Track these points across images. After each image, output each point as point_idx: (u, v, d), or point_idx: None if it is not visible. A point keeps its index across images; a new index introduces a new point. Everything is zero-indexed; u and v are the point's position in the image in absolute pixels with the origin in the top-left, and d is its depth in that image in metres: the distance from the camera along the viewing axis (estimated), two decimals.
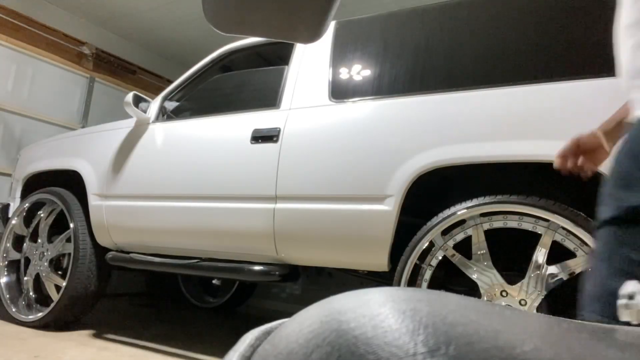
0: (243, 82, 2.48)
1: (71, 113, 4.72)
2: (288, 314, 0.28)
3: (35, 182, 2.96)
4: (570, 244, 1.49)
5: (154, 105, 2.56)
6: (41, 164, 2.90)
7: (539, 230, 1.53)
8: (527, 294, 1.52)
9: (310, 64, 2.11)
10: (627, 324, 0.67)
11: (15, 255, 2.89)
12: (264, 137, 2.10)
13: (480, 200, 1.60)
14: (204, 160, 2.22)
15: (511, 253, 1.69)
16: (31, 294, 2.76)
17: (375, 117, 1.84)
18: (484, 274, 1.59)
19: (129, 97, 2.46)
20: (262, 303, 4.10)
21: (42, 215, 2.84)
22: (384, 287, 0.26)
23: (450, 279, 1.77)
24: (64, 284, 2.53)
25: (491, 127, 1.62)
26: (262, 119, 2.15)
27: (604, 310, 0.69)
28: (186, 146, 2.31)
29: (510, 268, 1.63)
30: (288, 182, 1.94)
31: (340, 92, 1.98)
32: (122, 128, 2.62)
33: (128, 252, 2.46)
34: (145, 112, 2.51)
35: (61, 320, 2.57)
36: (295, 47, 2.23)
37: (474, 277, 1.60)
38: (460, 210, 1.63)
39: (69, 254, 2.61)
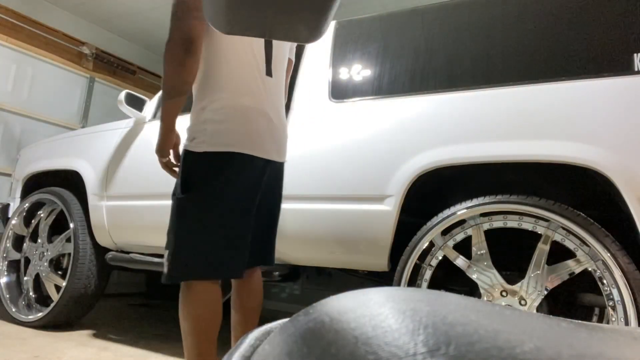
0: None
1: (71, 113, 4.73)
2: (288, 314, 0.28)
3: (35, 182, 2.96)
4: (570, 244, 1.49)
5: (151, 104, 2.56)
6: (41, 164, 2.90)
7: (539, 230, 1.53)
8: (527, 294, 1.52)
9: (310, 64, 2.11)
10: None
11: (15, 255, 2.88)
12: None
13: (480, 200, 1.60)
14: None
15: (511, 253, 1.69)
16: (31, 294, 2.76)
17: (375, 117, 1.84)
18: (484, 274, 1.59)
19: (122, 95, 2.48)
20: (262, 303, 4.10)
21: (42, 215, 2.84)
22: (384, 287, 0.26)
23: (451, 278, 1.76)
24: (64, 284, 2.53)
25: (491, 128, 1.62)
26: None
27: None
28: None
29: (510, 268, 1.63)
30: (287, 182, 1.94)
31: (340, 92, 1.98)
32: (121, 128, 2.62)
33: (128, 252, 2.46)
34: (141, 111, 2.51)
35: (61, 320, 2.57)
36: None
37: (474, 277, 1.60)
38: (460, 210, 1.62)
39: (69, 254, 2.61)
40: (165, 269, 1.36)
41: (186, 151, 1.38)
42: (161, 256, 2.35)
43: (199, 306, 1.35)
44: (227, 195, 1.35)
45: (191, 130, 1.39)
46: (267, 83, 1.43)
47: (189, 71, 1.31)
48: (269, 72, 1.43)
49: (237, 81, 1.37)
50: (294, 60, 1.71)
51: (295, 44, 1.69)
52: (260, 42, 1.42)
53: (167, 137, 1.42)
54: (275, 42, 1.46)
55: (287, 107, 1.61)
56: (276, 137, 1.45)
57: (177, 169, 1.47)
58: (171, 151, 1.49)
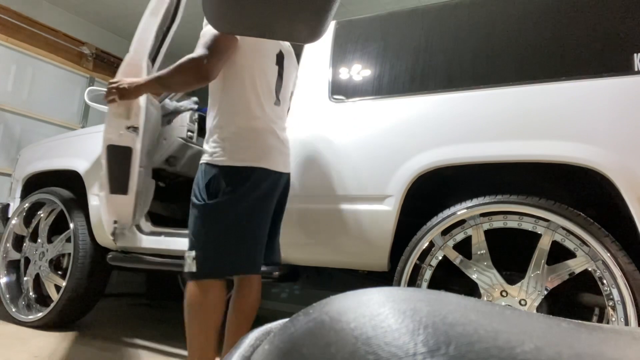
0: None
1: (71, 113, 4.72)
2: (288, 314, 0.28)
3: (35, 182, 2.96)
4: (570, 244, 1.49)
5: None
6: (41, 164, 2.90)
7: (539, 230, 1.53)
8: (527, 294, 1.52)
9: (310, 64, 2.11)
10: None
11: (15, 255, 2.88)
12: None
13: (480, 200, 1.60)
14: None
15: (511, 253, 1.69)
16: (31, 294, 2.76)
17: (375, 117, 1.84)
18: (484, 274, 1.59)
19: (85, 93, 2.52)
20: (262, 303, 4.09)
21: (42, 215, 2.84)
22: (384, 287, 0.26)
23: (451, 279, 1.76)
24: (64, 284, 2.52)
25: (491, 128, 1.62)
26: None
27: None
28: None
29: (510, 268, 1.63)
30: None
31: (340, 92, 1.98)
32: None
33: (128, 252, 2.46)
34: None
35: (61, 320, 2.57)
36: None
37: (474, 277, 1.60)
38: (460, 210, 1.62)
39: (69, 254, 2.60)
40: (192, 268, 1.50)
41: (208, 164, 1.58)
42: (160, 256, 2.35)
43: (209, 303, 1.49)
44: (247, 202, 1.54)
45: (210, 147, 1.59)
46: (275, 110, 1.67)
47: (192, 88, 1.64)
48: (277, 102, 1.69)
49: (252, 107, 1.60)
50: (294, 90, 1.96)
51: (297, 78, 1.94)
52: (274, 77, 1.68)
53: (141, 94, 1.83)
54: (284, 78, 1.73)
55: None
56: (283, 152, 1.68)
57: (113, 100, 1.81)
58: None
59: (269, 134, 1.61)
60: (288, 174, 1.72)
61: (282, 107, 1.72)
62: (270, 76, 1.65)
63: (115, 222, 2.22)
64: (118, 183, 2.10)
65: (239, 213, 1.53)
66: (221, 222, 1.52)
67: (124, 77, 1.91)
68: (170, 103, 2.60)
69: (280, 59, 1.69)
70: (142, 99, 2.06)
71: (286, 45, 1.77)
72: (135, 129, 2.07)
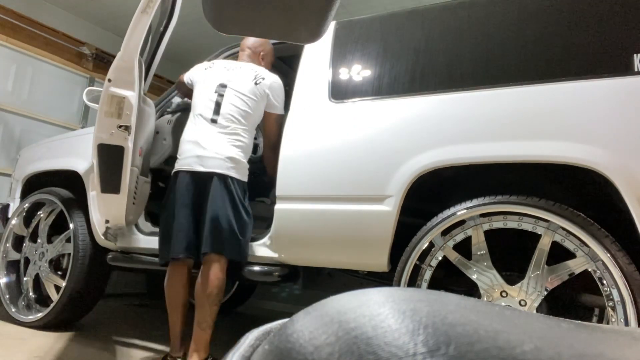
0: None
1: (71, 113, 4.72)
2: (288, 314, 0.28)
3: (35, 182, 2.96)
4: (570, 245, 1.48)
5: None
6: (41, 164, 2.90)
7: (539, 230, 1.53)
8: (527, 294, 1.52)
9: (310, 64, 2.11)
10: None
11: (15, 256, 2.88)
12: None
13: (480, 200, 1.60)
14: None
15: (511, 253, 1.69)
16: (31, 294, 2.76)
17: (375, 117, 1.84)
18: (484, 275, 1.59)
19: (84, 94, 2.54)
20: (262, 303, 4.10)
21: (41, 215, 2.84)
22: (384, 287, 0.26)
23: (451, 279, 1.76)
24: (64, 284, 2.52)
25: (491, 128, 1.62)
26: None
27: None
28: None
29: (510, 268, 1.63)
30: (287, 182, 1.94)
31: (340, 92, 1.98)
32: None
33: (128, 253, 2.46)
34: None
35: (61, 321, 2.57)
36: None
37: (474, 277, 1.60)
38: (460, 210, 1.62)
39: (69, 254, 2.60)
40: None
41: None
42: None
43: (166, 283, 2.01)
44: (170, 201, 2.01)
45: None
46: (209, 127, 2.02)
47: None
48: (213, 121, 2.02)
49: (187, 128, 2.07)
50: (279, 113, 2.14)
51: (273, 100, 2.11)
52: (212, 102, 2.03)
53: None
54: (224, 102, 2.02)
55: (277, 147, 2.03)
56: (203, 155, 1.97)
57: None
58: None
59: (189, 144, 2.00)
60: (211, 173, 1.94)
61: (221, 127, 2.02)
62: (207, 102, 2.04)
63: (107, 221, 2.21)
64: (109, 182, 2.10)
65: (167, 210, 2.01)
66: (160, 222, 2.08)
67: (116, 74, 2.08)
68: (171, 103, 2.59)
69: (221, 87, 2.06)
70: (134, 98, 2.05)
71: (234, 74, 2.09)
72: (127, 127, 2.06)
